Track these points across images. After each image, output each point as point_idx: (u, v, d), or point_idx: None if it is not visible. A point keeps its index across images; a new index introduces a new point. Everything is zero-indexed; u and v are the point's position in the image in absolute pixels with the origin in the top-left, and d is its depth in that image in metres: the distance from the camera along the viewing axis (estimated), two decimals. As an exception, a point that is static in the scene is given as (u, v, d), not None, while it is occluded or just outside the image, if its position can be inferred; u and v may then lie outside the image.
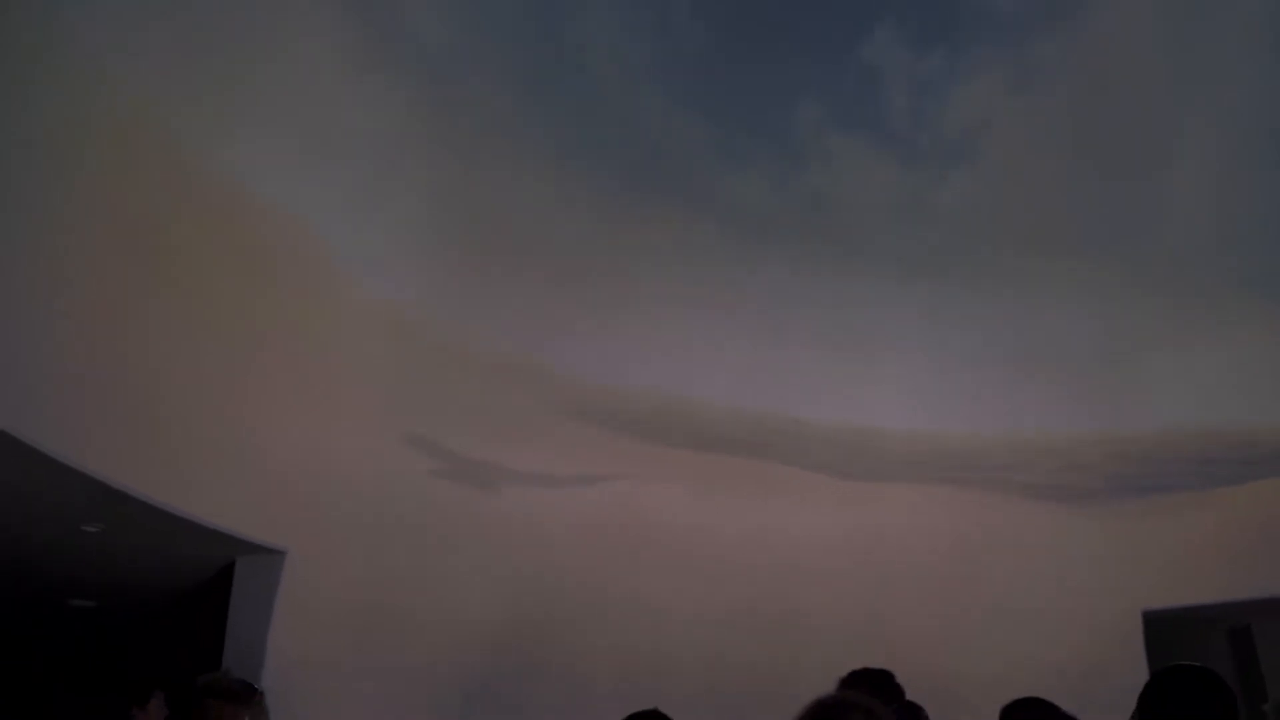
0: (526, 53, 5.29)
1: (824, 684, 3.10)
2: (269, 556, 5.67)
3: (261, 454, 5.51)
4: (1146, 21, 5.29)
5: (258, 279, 5.38)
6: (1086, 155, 5.96)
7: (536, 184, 5.82)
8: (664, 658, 7.49)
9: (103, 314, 4.44)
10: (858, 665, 3.27)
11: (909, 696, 3.27)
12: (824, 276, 6.53)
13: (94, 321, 4.38)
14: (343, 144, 5.21)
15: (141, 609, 7.58)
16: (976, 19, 5.62)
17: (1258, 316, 6.45)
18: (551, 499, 7.44)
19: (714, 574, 7.92)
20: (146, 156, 4.56)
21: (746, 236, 6.38)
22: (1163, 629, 7.85)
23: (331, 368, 6.02)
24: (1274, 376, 6.57)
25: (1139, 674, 7.31)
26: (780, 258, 6.40)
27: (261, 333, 5.51)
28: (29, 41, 3.87)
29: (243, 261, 5.25)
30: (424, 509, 6.60)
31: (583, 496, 7.62)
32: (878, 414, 6.91)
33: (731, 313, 6.49)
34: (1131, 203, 6.10)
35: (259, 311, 5.48)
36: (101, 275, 4.42)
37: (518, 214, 5.88)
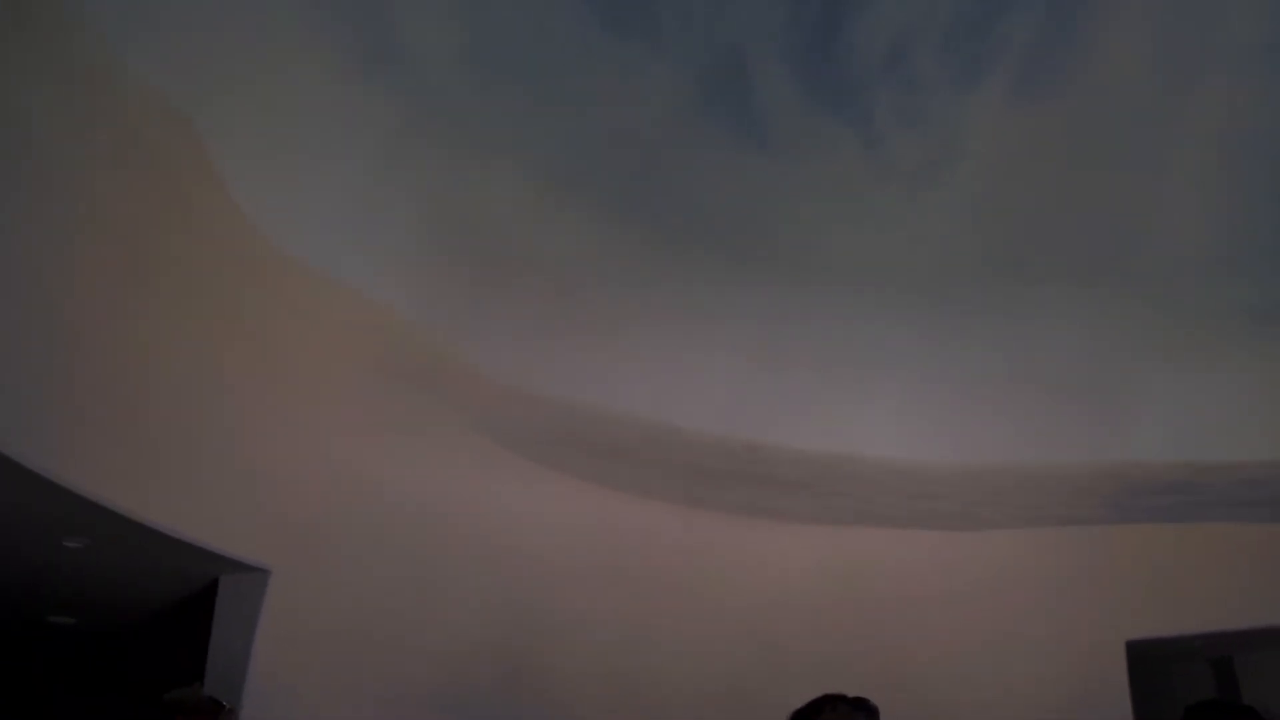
0: (521, 63, 5.30)
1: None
2: (253, 574, 5.64)
3: (247, 470, 5.48)
4: (1139, 39, 5.31)
5: (246, 290, 5.37)
6: (1081, 176, 5.96)
7: (528, 197, 5.81)
8: (652, 684, 7.46)
9: (88, 326, 4.42)
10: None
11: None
12: (811, 299, 6.52)
13: (79, 334, 4.36)
14: (334, 153, 5.19)
15: (122, 626, 7.51)
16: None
17: (1252, 345, 6.46)
18: (540, 522, 7.41)
19: (701, 602, 7.90)
20: (140, 163, 4.55)
21: (737, 256, 6.37)
22: (1146, 660, 7.87)
23: (319, 382, 6.01)
24: (1266, 406, 6.58)
25: (1122, 704, 7.32)
26: (769, 279, 6.40)
27: (248, 346, 5.49)
28: (37, 43, 3.86)
29: (231, 272, 5.24)
30: (411, 529, 6.58)
31: (571, 520, 7.60)
32: (865, 442, 6.91)
33: (721, 336, 6.49)
34: (1125, 225, 6.11)
35: (246, 324, 5.47)
36: (86, 285, 4.41)
37: (511, 227, 5.86)
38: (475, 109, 5.35)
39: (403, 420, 6.61)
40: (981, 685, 7.51)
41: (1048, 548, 8.14)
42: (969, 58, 5.47)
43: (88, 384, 4.41)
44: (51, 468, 4.10)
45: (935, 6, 5.34)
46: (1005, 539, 8.21)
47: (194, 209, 4.86)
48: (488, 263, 5.83)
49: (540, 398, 6.42)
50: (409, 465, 6.57)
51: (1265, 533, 7.55)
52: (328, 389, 6.06)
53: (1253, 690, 8.32)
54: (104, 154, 4.37)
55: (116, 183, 4.48)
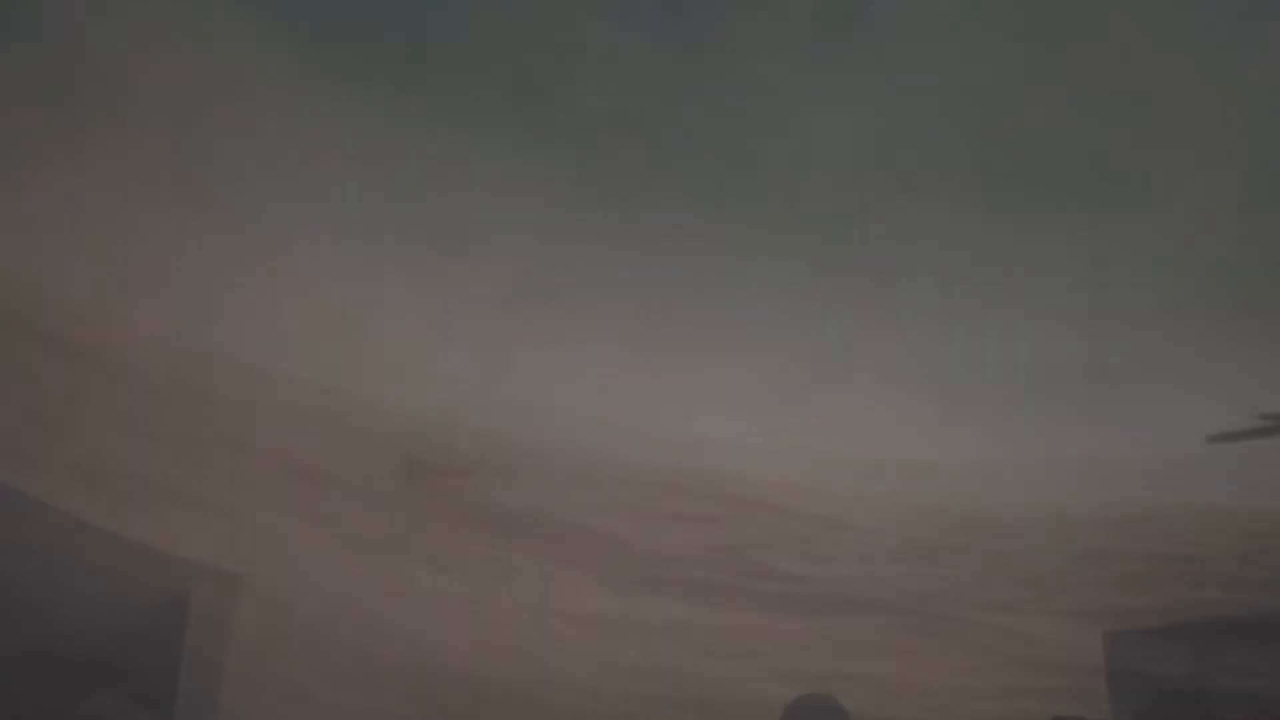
0: (500, 61, 5.28)
1: None
2: (226, 583, 5.58)
3: (224, 477, 5.42)
4: (1123, 29, 5.33)
5: (221, 291, 5.33)
6: (1064, 173, 5.97)
7: (498, 192, 5.78)
8: (623, 702, 7.40)
9: (62, 331, 4.37)
10: None
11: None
12: (788, 297, 6.51)
13: (54, 342, 4.31)
14: (305, 150, 5.16)
15: (94, 636, 7.41)
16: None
17: (1239, 341, 6.49)
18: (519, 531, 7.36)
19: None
20: (125, 160, 4.52)
21: (698, 254, 6.34)
22: (1125, 651, 7.90)
23: (296, 386, 5.95)
24: (1248, 401, 6.62)
25: (1099, 694, 7.36)
26: (742, 276, 6.39)
27: (221, 349, 5.44)
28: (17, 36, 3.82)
29: (206, 274, 5.20)
30: (388, 537, 6.52)
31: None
32: (838, 449, 6.90)
33: (676, 350, 6.45)
34: (1109, 224, 6.13)
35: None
36: (59, 291, 4.36)
37: (475, 222, 5.83)
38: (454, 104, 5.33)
39: (381, 423, 6.54)
40: (964, 686, 7.52)
41: (1029, 539, 8.16)
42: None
43: (59, 391, 4.36)
44: (22, 479, 4.05)
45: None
46: (988, 531, 8.23)
47: (172, 205, 4.81)
48: (461, 259, 5.79)
49: (516, 402, 6.37)
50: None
51: (1244, 521, 7.61)
52: (303, 392, 6.00)
53: (1230, 679, 8.36)
54: (94, 144, 4.34)
55: (94, 190, 4.45)
